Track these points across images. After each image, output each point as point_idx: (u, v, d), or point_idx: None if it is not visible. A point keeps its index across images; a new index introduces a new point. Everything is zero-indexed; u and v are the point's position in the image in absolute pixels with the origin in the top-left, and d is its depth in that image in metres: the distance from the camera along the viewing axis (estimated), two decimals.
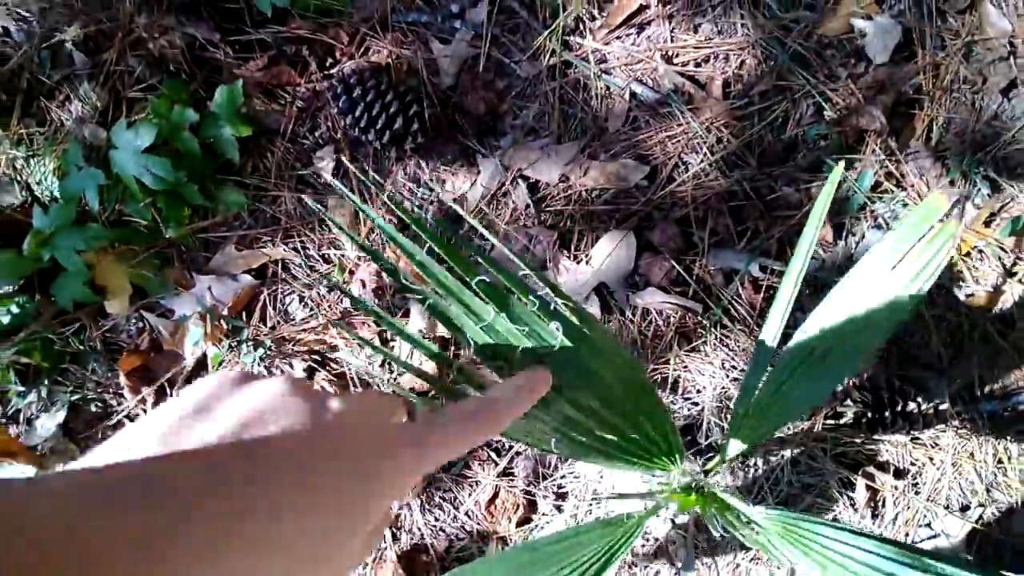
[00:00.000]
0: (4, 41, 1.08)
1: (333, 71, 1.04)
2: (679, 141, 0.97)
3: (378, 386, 0.99)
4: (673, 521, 0.88)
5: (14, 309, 1.00)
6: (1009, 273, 0.89)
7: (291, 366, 1.00)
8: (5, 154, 1.03)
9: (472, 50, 1.03)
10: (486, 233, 0.44)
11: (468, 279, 0.44)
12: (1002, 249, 0.89)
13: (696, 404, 0.91)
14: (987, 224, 0.89)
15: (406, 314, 1.00)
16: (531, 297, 0.44)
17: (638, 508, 0.63)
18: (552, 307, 0.45)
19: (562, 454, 0.55)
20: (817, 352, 0.56)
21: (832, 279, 0.87)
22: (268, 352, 1.00)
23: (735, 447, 0.61)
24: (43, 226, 0.91)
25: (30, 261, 0.91)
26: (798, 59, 0.95)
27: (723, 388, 0.91)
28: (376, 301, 1.01)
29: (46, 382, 1.00)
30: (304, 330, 1.01)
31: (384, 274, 1.00)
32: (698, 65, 0.98)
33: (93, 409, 1.01)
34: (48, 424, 0.98)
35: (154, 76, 1.04)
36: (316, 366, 1.00)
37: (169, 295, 1.01)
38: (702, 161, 0.96)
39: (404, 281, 0.43)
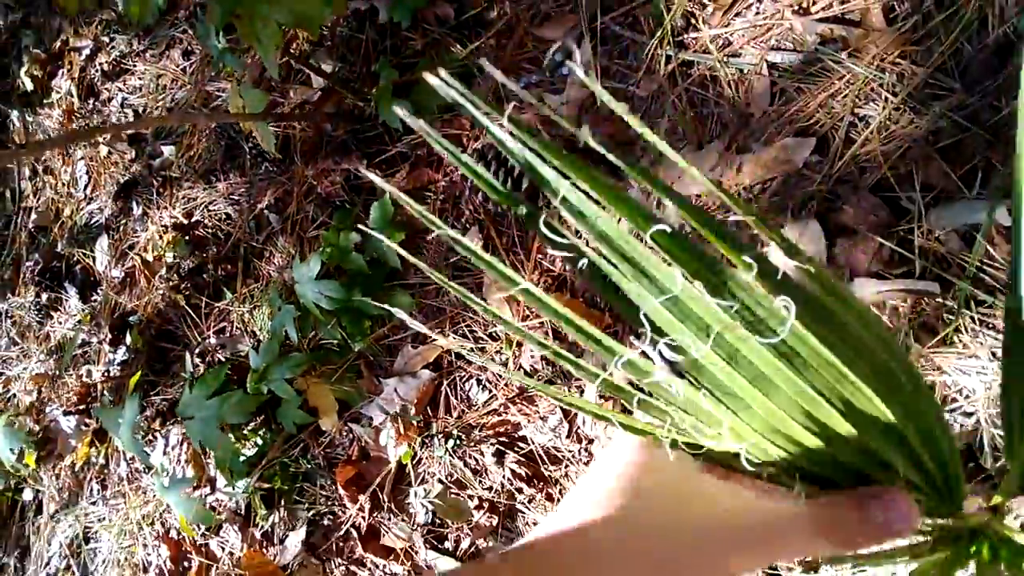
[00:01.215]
0: (227, 223, 1.33)
1: (463, 155, 1.07)
2: (847, 96, 0.79)
3: (571, 458, 0.91)
4: None
5: (258, 441, 1.15)
6: None
7: (481, 454, 0.97)
8: (235, 312, 1.23)
9: (585, 90, 0.99)
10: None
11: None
12: None
13: (969, 414, 0.66)
14: None
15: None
16: (744, 257, 0.25)
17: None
18: (777, 274, 0.26)
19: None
20: None
21: None
22: (459, 442, 0.99)
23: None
24: (257, 364, 1.05)
25: (253, 397, 1.04)
26: None
27: (984, 371, 0.65)
28: (550, 369, 0.95)
29: (283, 503, 1.10)
30: (488, 412, 0.98)
31: (548, 338, 0.94)
32: (843, 2, 0.81)
33: (326, 523, 1.08)
34: (295, 541, 1.08)
35: (325, 213, 1.17)
36: (504, 449, 0.95)
37: (365, 404, 1.07)
38: (884, 108, 0.76)
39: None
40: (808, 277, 0.27)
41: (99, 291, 1.49)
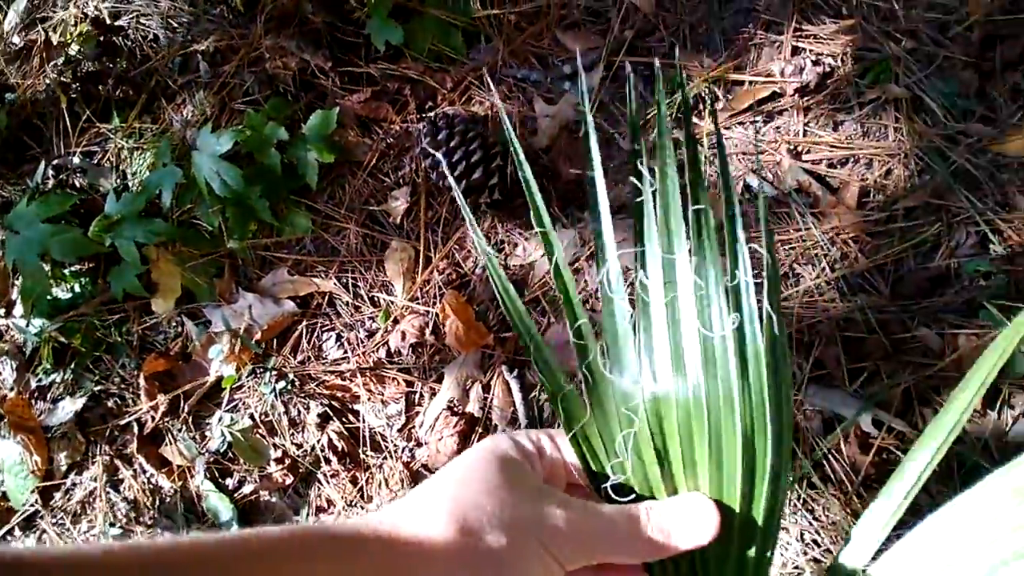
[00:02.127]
0: (151, 46, 1.16)
1: (430, 113, 1.00)
2: (794, 248, 0.81)
3: (390, 453, 0.88)
4: None
5: (75, 288, 1.01)
6: None
7: (308, 408, 0.91)
8: (115, 142, 1.08)
9: (574, 115, 0.95)
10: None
11: None
12: None
13: None
14: None
15: (439, 379, 0.88)
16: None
17: None
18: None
19: (626, 484, 0.38)
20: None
21: (974, 460, 0.66)
22: (290, 387, 0.92)
23: None
24: (112, 212, 0.91)
25: (92, 243, 0.91)
26: (963, 177, 0.77)
27: (796, 569, 0.69)
28: (413, 358, 0.91)
29: (74, 365, 0.98)
30: (333, 372, 0.92)
31: (427, 328, 0.90)
32: (832, 167, 0.83)
33: (111, 404, 0.97)
34: (68, 408, 0.96)
35: (262, 92, 1.05)
36: (332, 415, 0.90)
37: (211, 306, 0.97)
38: (818, 276, 0.79)
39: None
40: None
41: None
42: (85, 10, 1.21)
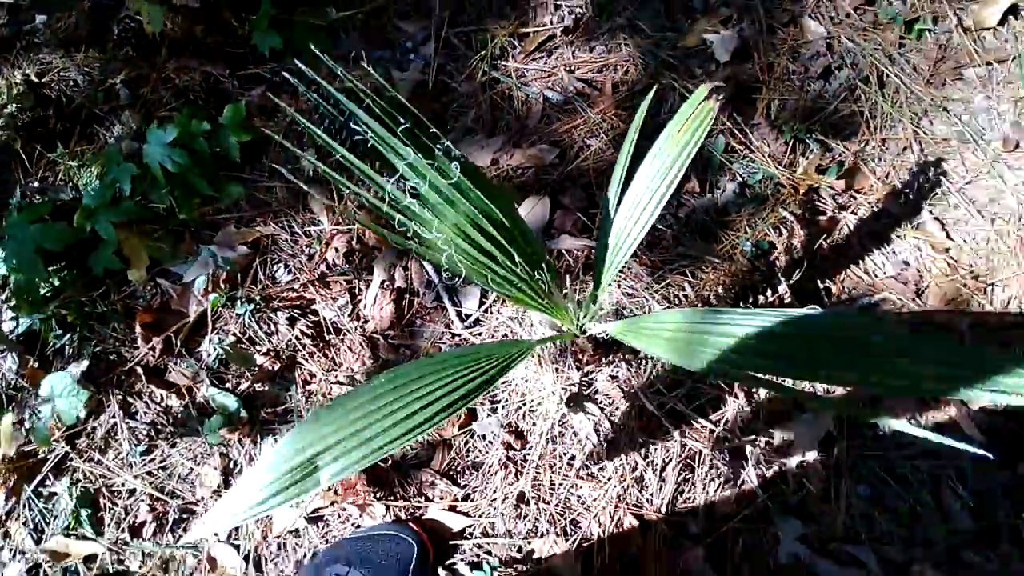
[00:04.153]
0: (74, 89, 1.40)
1: (315, 92, 1.34)
2: (581, 129, 1.25)
3: (348, 331, 1.21)
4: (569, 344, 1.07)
5: (55, 282, 1.24)
6: (841, 207, 1.13)
7: (276, 320, 1.22)
8: (64, 165, 1.32)
9: (422, 76, 1.34)
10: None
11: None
12: (832, 189, 1.14)
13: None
14: (820, 172, 1.15)
15: (371, 272, 1.23)
16: (438, 144, 0.69)
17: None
18: (453, 154, 0.70)
19: (454, 269, 0.76)
20: (637, 201, 0.80)
21: (700, 218, 1.12)
22: (258, 307, 1.22)
23: (602, 292, 0.84)
24: (89, 202, 1.17)
25: (77, 231, 1.16)
26: (666, 64, 1.25)
27: None
28: (347, 264, 1.25)
29: (72, 339, 1.21)
30: (288, 290, 1.24)
31: (353, 241, 1.24)
32: (593, 74, 1.28)
33: (112, 359, 1.22)
34: (75, 371, 1.19)
35: (178, 102, 1.34)
36: (298, 316, 1.22)
37: (179, 264, 1.25)
38: (601, 142, 1.23)
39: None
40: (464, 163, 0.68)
41: None
42: (11, 79, 1.42)
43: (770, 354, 0.64)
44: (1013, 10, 1.21)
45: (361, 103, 0.74)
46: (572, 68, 1.29)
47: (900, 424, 0.54)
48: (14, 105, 1.39)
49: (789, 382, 0.96)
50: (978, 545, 0.94)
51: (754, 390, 1.03)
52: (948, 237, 1.09)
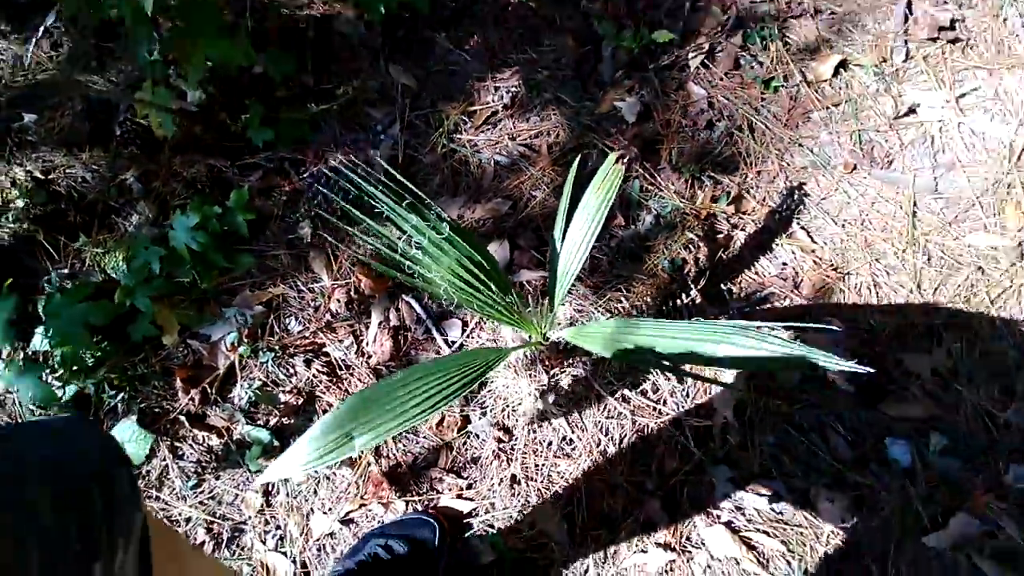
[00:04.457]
0: (83, 183, 1.63)
1: (305, 174, 1.62)
2: (527, 184, 1.56)
3: (355, 366, 1.47)
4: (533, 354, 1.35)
5: (99, 352, 1.46)
6: (733, 227, 1.48)
7: (293, 364, 1.47)
8: (90, 252, 1.54)
9: (393, 152, 1.64)
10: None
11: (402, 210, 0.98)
12: (725, 213, 1.48)
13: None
14: (714, 200, 1.49)
15: (369, 315, 1.50)
16: (432, 212, 0.99)
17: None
18: (443, 217, 1.00)
19: (449, 299, 1.05)
20: (576, 239, 1.11)
21: (628, 245, 1.44)
22: (277, 355, 1.47)
23: (558, 308, 1.14)
24: (127, 282, 1.41)
25: (118, 306, 1.39)
26: (587, 127, 1.58)
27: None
28: (348, 312, 1.51)
29: (124, 396, 1.43)
30: (301, 338, 1.49)
31: (351, 292, 1.51)
32: (532, 139, 1.60)
33: (156, 412, 1.44)
34: (127, 424, 1.41)
35: (188, 191, 1.59)
36: (312, 358, 1.47)
37: (206, 326, 1.49)
38: (541, 193, 1.54)
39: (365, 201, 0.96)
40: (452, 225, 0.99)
41: None
42: (13, 175, 1.65)
43: (666, 348, 0.95)
44: (843, 64, 1.59)
45: (370, 183, 1.02)
46: (514, 136, 1.61)
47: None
48: (23, 200, 1.61)
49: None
50: (855, 468, 1.26)
51: (678, 376, 1.34)
52: (812, 241, 1.45)
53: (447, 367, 1.01)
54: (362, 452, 1.37)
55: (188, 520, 1.37)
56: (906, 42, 1.59)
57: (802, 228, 1.46)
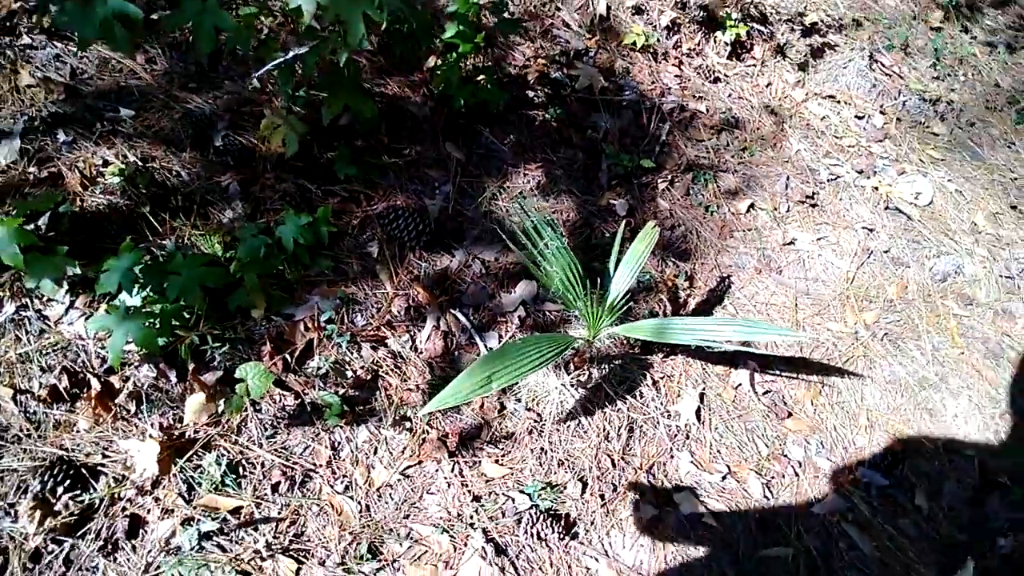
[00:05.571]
0: (176, 177, 1.89)
1: (375, 206, 2.03)
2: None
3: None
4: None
5: (199, 312, 1.67)
6: (687, 296, 2.11)
7: (360, 348, 1.79)
8: (188, 232, 1.79)
9: (445, 204, 2.11)
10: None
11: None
12: (682, 286, 2.12)
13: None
14: (675, 276, 2.12)
15: (423, 320, 1.87)
16: (547, 236, 1.49)
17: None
18: (546, 239, 1.51)
19: (557, 290, 1.52)
20: (624, 272, 1.66)
21: (639, 275, 2.02)
22: (348, 342, 1.78)
23: (606, 315, 1.66)
24: (242, 257, 1.68)
25: (231, 275, 1.65)
26: (591, 214, 2.19)
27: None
28: (405, 316, 1.88)
29: (226, 350, 1.64)
30: (366, 330, 1.82)
31: (409, 301, 1.89)
32: (551, 214, 2.17)
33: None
34: (211, 378, 1.61)
35: (277, 203, 1.92)
36: (376, 346, 1.80)
37: (291, 308, 1.77)
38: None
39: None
40: (556, 242, 1.52)
41: None
42: (104, 156, 1.87)
43: (691, 332, 1.51)
44: (752, 205, 2.39)
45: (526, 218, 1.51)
46: (538, 210, 2.17)
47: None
48: (118, 178, 1.83)
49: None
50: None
51: (664, 376, 1.88)
52: (736, 312, 2.12)
53: (544, 340, 1.48)
54: (468, 400, 1.70)
55: (264, 463, 1.58)
56: (787, 199, 2.44)
57: (729, 304, 2.14)
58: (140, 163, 1.88)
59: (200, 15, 1.47)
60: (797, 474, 1.81)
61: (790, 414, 1.92)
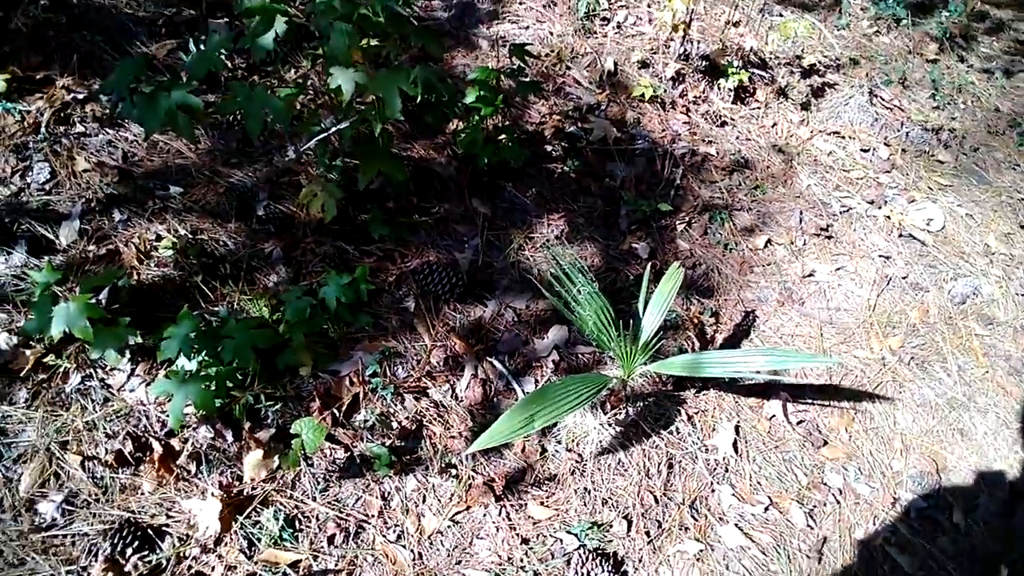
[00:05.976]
0: (223, 246, 2.02)
1: (409, 263, 2.13)
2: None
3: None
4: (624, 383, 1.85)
5: (251, 372, 1.76)
6: (714, 332, 2.17)
7: (403, 400, 1.86)
8: (237, 297, 1.89)
9: (474, 256, 2.21)
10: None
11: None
12: (708, 322, 2.18)
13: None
14: (701, 314, 2.19)
15: (461, 369, 1.95)
16: (578, 282, 1.58)
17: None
18: (578, 285, 1.59)
19: (591, 332, 1.60)
20: (654, 310, 1.73)
21: (667, 314, 2.09)
22: (392, 395, 1.85)
23: (639, 354, 1.72)
24: (291, 318, 1.77)
25: (278, 336, 1.74)
26: (614, 258, 2.28)
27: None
28: (444, 366, 1.95)
29: (268, 412, 1.72)
30: (408, 381, 1.90)
31: (447, 352, 1.97)
32: (576, 261, 2.26)
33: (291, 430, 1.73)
34: (264, 436, 1.68)
35: (318, 265, 2.03)
36: (419, 397, 1.87)
37: (336, 364, 1.85)
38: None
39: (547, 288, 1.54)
40: (589, 289, 1.61)
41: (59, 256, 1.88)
42: (156, 232, 2.00)
43: (722, 365, 1.57)
44: (769, 240, 2.47)
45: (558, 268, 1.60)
46: (564, 258, 2.26)
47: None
48: (171, 251, 1.95)
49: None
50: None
51: (698, 413, 1.93)
52: (763, 345, 2.17)
53: (581, 380, 1.56)
54: (510, 442, 1.76)
55: (319, 516, 1.63)
56: (803, 233, 2.52)
57: (756, 337, 2.20)
58: (190, 236, 2.00)
59: (249, 100, 1.61)
60: (838, 501, 1.83)
61: (826, 442, 1.95)
